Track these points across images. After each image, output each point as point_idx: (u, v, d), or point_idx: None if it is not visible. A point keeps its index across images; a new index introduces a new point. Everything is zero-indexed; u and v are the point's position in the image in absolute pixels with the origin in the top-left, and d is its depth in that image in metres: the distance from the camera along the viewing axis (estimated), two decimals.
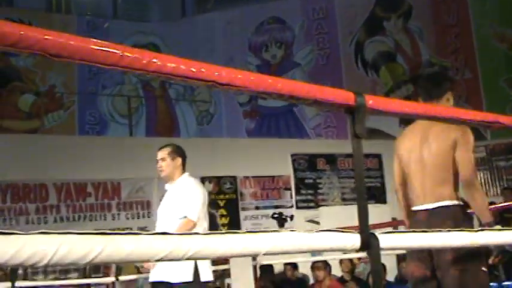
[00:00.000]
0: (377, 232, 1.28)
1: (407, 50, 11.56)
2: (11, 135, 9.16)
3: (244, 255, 1.13)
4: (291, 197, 8.97)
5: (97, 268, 7.45)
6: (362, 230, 1.26)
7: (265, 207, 8.79)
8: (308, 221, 8.74)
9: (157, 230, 3.34)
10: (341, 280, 6.75)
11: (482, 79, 10.82)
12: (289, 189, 9.01)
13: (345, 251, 1.27)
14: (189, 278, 3.42)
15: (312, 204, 9.02)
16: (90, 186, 7.91)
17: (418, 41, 11.53)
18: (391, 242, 1.32)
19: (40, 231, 0.95)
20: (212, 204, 7.93)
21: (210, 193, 8.16)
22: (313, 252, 7.32)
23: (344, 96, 1.34)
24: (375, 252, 1.26)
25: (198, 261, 3.39)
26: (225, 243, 1.09)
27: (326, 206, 9.04)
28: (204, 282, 3.49)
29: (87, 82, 11.01)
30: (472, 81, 10.91)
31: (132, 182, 8.09)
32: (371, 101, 1.37)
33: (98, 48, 1.05)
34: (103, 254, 0.97)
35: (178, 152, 3.86)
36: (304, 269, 7.26)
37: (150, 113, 11.85)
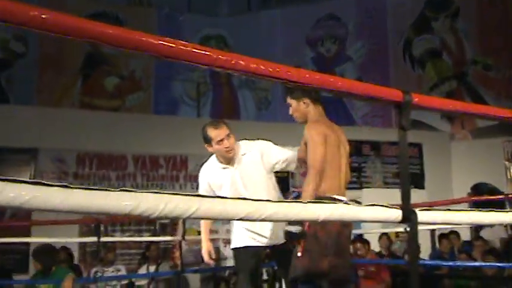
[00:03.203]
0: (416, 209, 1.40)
1: (452, 48, 11.28)
2: (98, 112, 9.60)
3: (310, 219, 1.27)
4: None
5: (164, 229, 7.78)
6: (404, 206, 1.38)
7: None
8: (351, 200, 8.75)
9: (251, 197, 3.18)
10: (379, 254, 6.81)
11: None
12: None
13: (388, 223, 1.40)
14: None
15: (355, 186, 9.04)
16: (162, 159, 8.20)
17: (464, 40, 11.22)
18: (428, 217, 1.43)
19: (153, 191, 1.12)
20: None
21: None
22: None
23: (394, 94, 1.44)
24: (414, 225, 1.38)
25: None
26: (293, 209, 1.24)
27: (368, 188, 9.05)
28: None
29: (163, 68, 11.35)
30: None
31: (197, 157, 8.26)
32: (416, 98, 1.47)
33: (198, 51, 1.20)
34: (199, 211, 1.14)
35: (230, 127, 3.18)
36: None
37: (216, 98, 12.12)
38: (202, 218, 1.16)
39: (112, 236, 7.33)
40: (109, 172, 7.82)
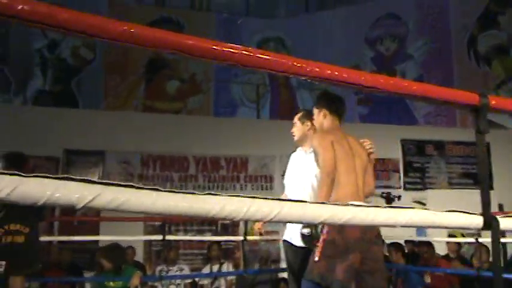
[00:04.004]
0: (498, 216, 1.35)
1: None
2: (161, 115, 9.86)
3: (387, 225, 1.26)
4: (399, 179, 8.83)
5: (226, 229, 7.87)
6: (485, 212, 1.34)
7: (375, 187, 8.71)
8: (415, 201, 8.56)
9: (289, 194, 3.34)
10: (446, 258, 6.60)
11: None
12: (398, 171, 8.87)
13: (468, 229, 1.36)
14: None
15: (419, 187, 8.81)
16: (223, 161, 8.27)
17: None
18: (510, 224, 1.38)
19: (234, 194, 1.15)
20: None
21: None
22: (419, 232, 7.22)
23: (470, 97, 1.40)
24: (496, 232, 1.34)
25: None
26: (372, 214, 1.23)
27: (433, 189, 8.80)
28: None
29: (222, 71, 11.53)
30: None
31: (257, 158, 8.34)
32: (494, 101, 1.42)
33: (275, 59, 1.22)
34: (280, 215, 1.15)
35: (308, 116, 3.51)
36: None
37: (274, 99, 12.17)
38: (282, 222, 1.18)
39: (176, 235, 7.49)
40: (171, 173, 7.99)
